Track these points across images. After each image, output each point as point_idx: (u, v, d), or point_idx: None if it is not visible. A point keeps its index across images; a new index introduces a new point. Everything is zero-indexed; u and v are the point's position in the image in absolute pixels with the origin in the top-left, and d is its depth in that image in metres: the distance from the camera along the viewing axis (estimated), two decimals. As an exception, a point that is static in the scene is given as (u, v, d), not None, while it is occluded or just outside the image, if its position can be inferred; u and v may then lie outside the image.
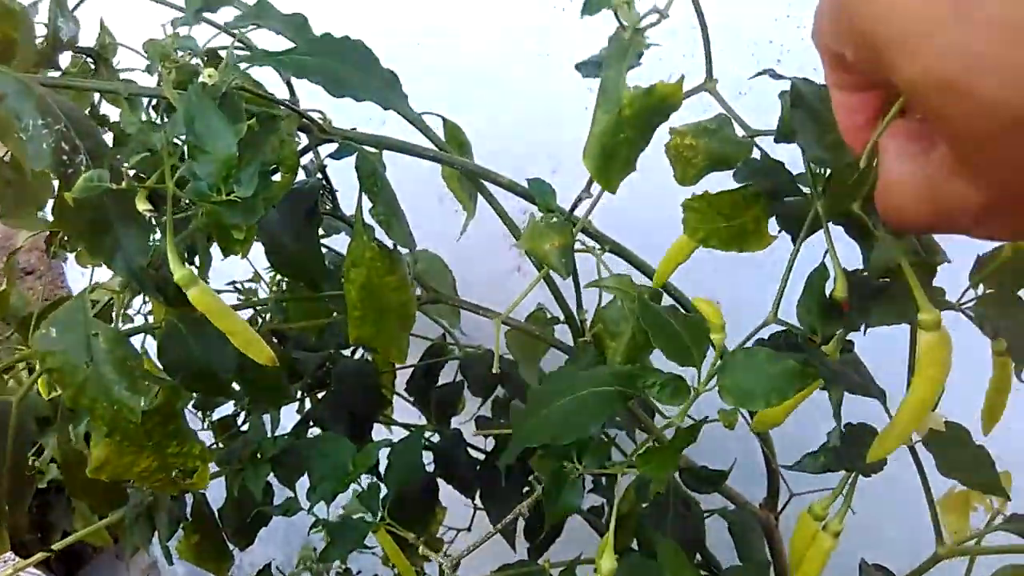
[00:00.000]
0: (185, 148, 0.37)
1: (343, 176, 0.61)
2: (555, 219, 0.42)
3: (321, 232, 0.76)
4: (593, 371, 0.42)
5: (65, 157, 0.42)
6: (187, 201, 0.41)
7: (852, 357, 0.43)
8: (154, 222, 0.47)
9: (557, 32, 0.83)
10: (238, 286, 0.79)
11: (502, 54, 0.85)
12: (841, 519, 0.45)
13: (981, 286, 0.42)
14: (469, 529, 0.90)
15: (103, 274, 0.72)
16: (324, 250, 0.77)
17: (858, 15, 0.22)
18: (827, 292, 0.37)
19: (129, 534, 0.66)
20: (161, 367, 0.52)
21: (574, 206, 0.58)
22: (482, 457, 0.80)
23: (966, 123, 0.20)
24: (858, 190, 0.35)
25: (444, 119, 0.63)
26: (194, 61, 0.45)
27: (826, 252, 0.36)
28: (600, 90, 0.37)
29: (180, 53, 0.44)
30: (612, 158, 0.36)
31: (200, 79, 0.39)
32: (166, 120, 0.47)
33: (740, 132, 0.40)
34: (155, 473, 0.44)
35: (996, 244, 0.41)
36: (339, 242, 0.70)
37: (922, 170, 0.23)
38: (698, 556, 0.70)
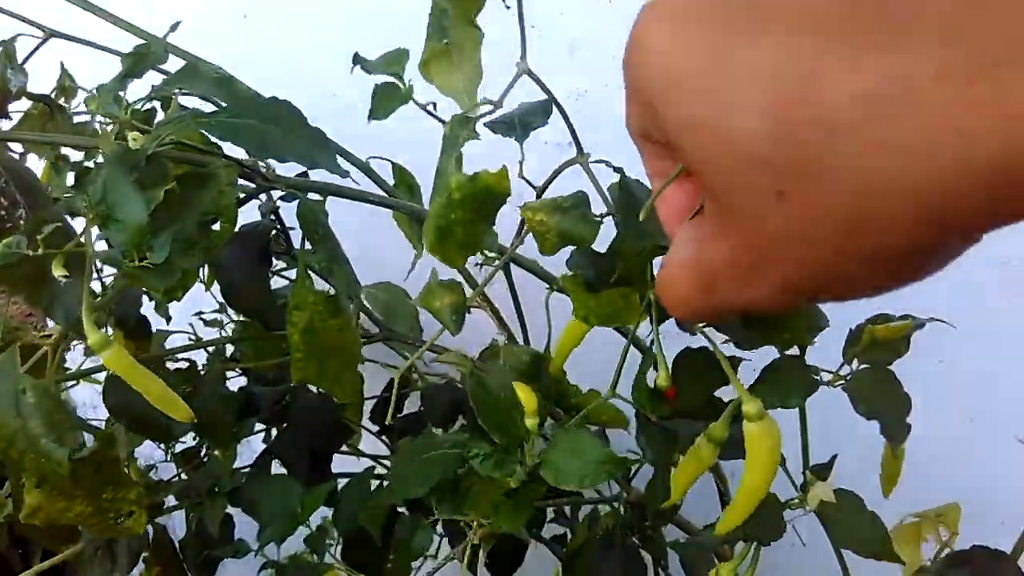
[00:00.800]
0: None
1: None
2: (450, 279, 0.44)
3: (283, 265, 0.78)
4: (446, 436, 0.45)
5: (3, 212, 0.44)
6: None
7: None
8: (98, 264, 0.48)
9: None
10: (203, 318, 0.80)
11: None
12: (747, 584, 0.46)
13: (856, 361, 0.42)
14: (436, 556, 0.91)
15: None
16: (285, 282, 0.78)
17: (633, 75, 0.23)
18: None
19: (88, 567, 0.67)
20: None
21: (513, 246, 0.60)
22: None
23: (712, 164, 0.20)
24: None
25: (393, 163, 0.64)
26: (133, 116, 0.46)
27: (651, 342, 0.37)
28: (435, 174, 0.39)
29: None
30: (447, 237, 0.39)
31: (128, 141, 0.40)
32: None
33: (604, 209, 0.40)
34: (90, 518, 0.45)
35: (867, 318, 0.42)
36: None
37: (693, 249, 0.24)
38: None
